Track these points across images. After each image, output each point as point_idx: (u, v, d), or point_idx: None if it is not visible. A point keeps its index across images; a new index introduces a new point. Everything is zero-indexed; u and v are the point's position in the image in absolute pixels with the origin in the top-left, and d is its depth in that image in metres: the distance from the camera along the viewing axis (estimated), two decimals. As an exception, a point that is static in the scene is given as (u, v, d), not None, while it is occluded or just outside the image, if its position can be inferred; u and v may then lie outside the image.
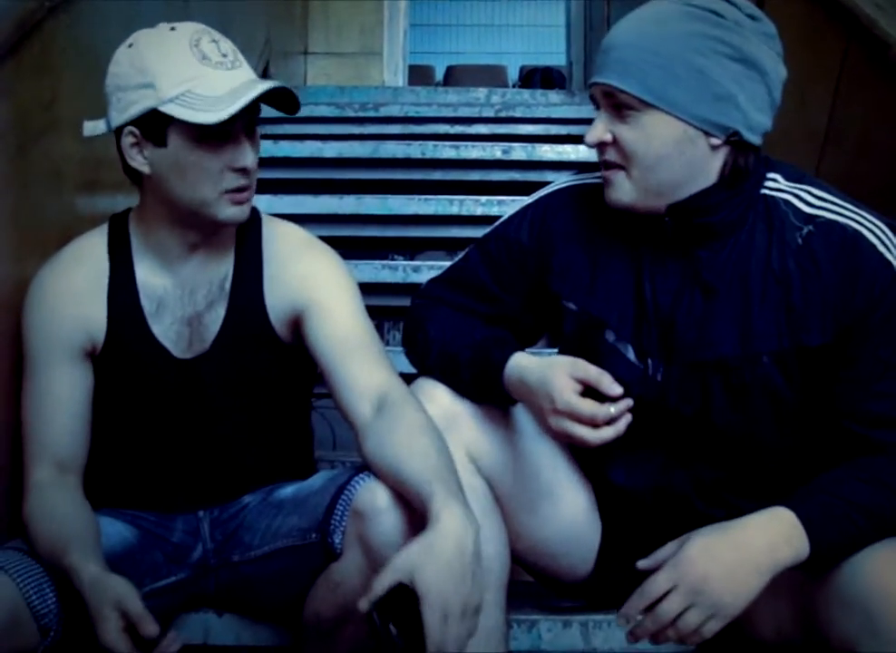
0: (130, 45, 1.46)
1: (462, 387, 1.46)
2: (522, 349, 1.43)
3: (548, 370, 1.35)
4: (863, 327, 1.34)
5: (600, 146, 1.38)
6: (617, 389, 1.30)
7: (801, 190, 1.41)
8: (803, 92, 2.28)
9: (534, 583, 1.61)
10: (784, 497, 1.35)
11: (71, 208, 1.86)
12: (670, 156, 1.36)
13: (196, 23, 1.48)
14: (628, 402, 1.30)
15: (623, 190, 1.38)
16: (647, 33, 1.35)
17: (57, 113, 1.77)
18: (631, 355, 1.44)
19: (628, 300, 1.45)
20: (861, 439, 1.34)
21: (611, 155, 1.38)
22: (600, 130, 1.37)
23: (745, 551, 1.24)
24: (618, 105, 1.36)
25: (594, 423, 1.30)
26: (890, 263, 1.35)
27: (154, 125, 1.43)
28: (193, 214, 1.47)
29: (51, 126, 1.75)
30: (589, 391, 1.33)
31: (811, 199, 1.39)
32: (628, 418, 1.31)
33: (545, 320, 1.56)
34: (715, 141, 1.37)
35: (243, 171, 1.45)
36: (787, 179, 1.42)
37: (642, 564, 1.28)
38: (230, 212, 1.46)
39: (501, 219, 1.57)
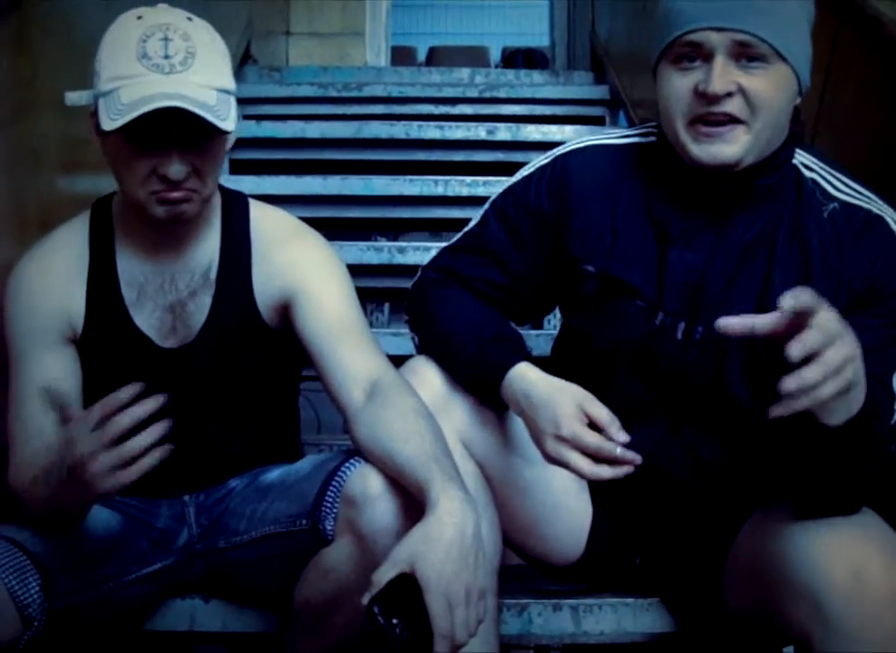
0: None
1: (458, 380, 1.45)
2: (530, 356, 1.41)
3: (556, 393, 1.33)
4: (870, 301, 1.36)
5: (722, 97, 1.31)
6: (623, 436, 1.30)
7: (828, 171, 1.43)
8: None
9: (524, 566, 1.61)
10: (777, 485, 1.35)
11: (51, 188, 1.83)
12: (786, 111, 1.36)
13: (175, 13, 1.42)
14: (636, 456, 1.30)
15: (740, 143, 1.33)
16: None
17: (37, 90, 1.74)
18: (653, 312, 1.42)
19: (651, 261, 1.43)
20: None
21: (735, 106, 1.32)
22: (727, 80, 1.31)
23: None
24: (750, 56, 1.31)
25: (594, 457, 1.30)
26: None
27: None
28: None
29: (30, 104, 1.72)
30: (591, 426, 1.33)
31: (836, 183, 1.42)
32: (628, 469, 1.30)
33: (561, 287, 1.52)
34: (798, 100, 1.38)
35: (165, 179, 1.39)
36: (811, 155, 1.44)
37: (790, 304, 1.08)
38: (160, 211, 1.41)
39: (517, 179, 1.53)
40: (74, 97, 1.45)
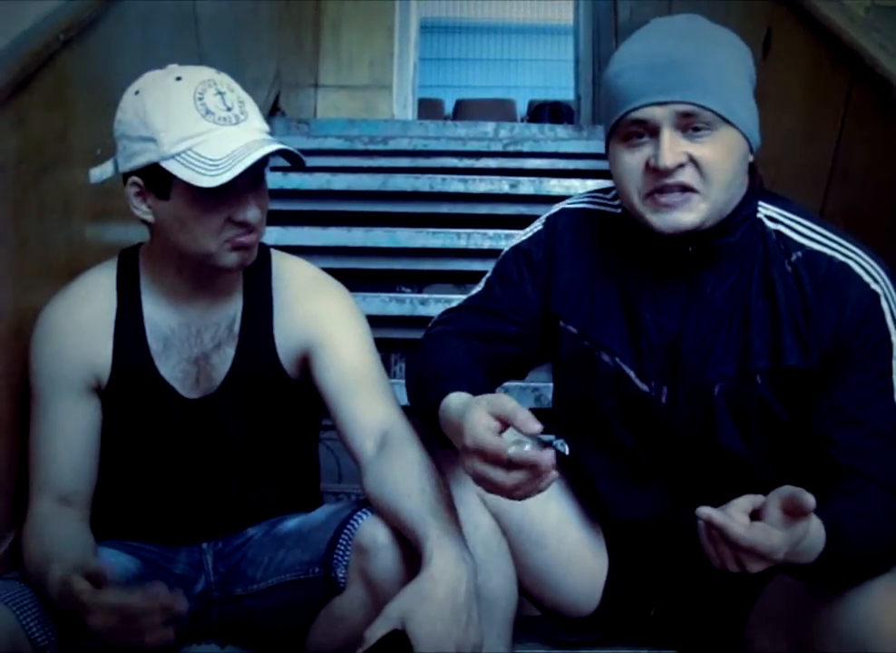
0: (136, 92, 1.43)
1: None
2: (467, 387, 1.32)
3: (469, 407, 1.24)
4: (845, 353, 1.35)
5: (673, 169, 1.32)
6: (533, 426, 1.17)
7: (793, 220, 1.42)
8: (809, 130, 2.29)
9: (539, 617, 1.60)
10: None
11: (80, 237, 1.87)
12: (739, 172, 1.37)
13: (204, 69, 1.46)
14: (550, 452, 1.18)
15: (698, 210, 1.34)
16: (707, 48, 1.34)
17: (69, 144, 1.79)
18: (634, 378, 1.44)
19: (626, 326, 1.44)
20: (834, 464, 1.32)
21: (688, 176, 1.33)
22: (676, 152, 1.32)
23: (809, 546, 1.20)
24: (695, 126, 1.33)
25: (503, 464, 1.18)
26: (875, 293, 1.36)
27: (157, 178, 1.42)
28: (198, 262, 1.47)
29: (63, 156, 1.77)
30: None
31: (801, 229, 1.41)
32: (553, 475, 1.18)
33: (549, 343, 1.52)
34: (750, 158, 1.38)
35: (244, 224, 1.43)
36: (776, 206, 1.44)
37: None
38: (232, 259, 1.45)
39: (514, 240, 1.55)
40: (97, 173, 1.48)
